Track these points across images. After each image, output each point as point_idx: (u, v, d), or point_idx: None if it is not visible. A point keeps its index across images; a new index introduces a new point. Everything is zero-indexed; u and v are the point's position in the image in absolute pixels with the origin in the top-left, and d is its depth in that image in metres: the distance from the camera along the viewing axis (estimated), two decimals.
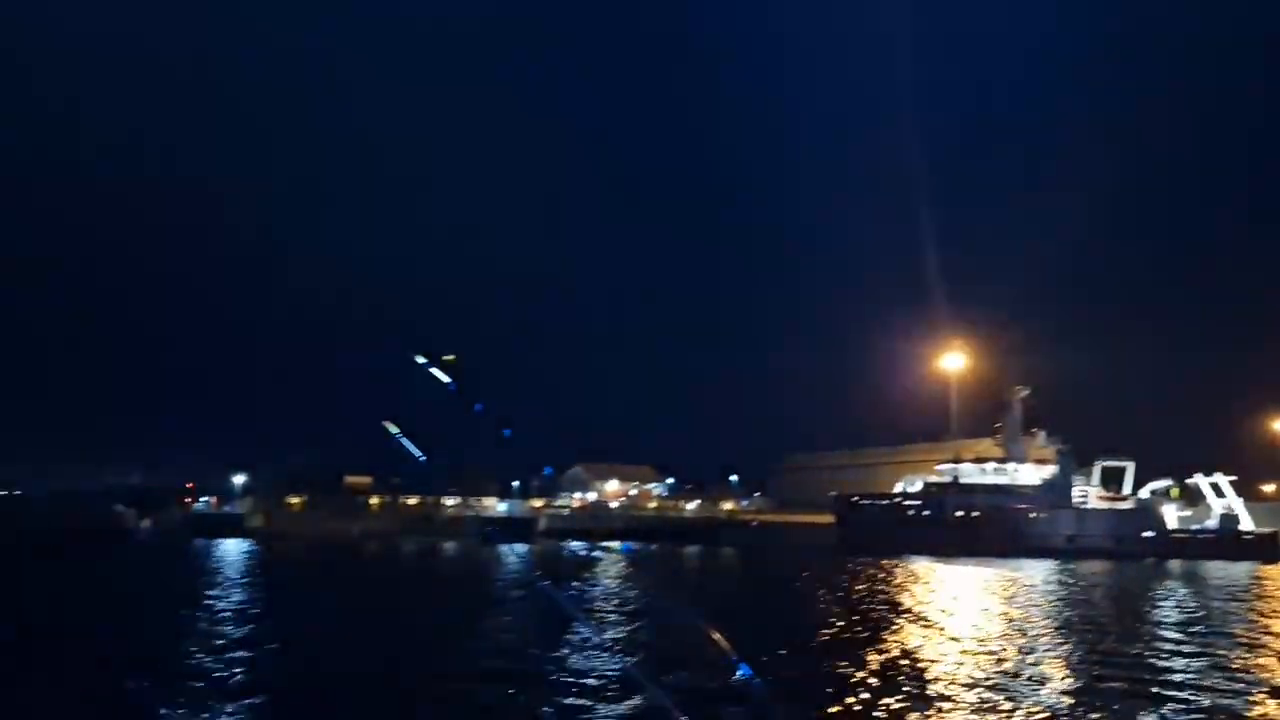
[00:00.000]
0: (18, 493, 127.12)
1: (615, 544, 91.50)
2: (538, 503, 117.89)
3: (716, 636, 5.00)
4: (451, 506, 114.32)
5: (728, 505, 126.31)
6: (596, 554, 77.33)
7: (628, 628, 31.50)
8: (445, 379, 8.19)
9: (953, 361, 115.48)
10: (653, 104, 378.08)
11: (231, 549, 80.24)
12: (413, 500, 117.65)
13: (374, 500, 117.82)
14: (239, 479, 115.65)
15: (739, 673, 4.77)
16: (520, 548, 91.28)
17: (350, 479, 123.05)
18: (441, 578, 57.03)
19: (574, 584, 46.60)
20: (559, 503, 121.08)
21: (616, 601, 40.80)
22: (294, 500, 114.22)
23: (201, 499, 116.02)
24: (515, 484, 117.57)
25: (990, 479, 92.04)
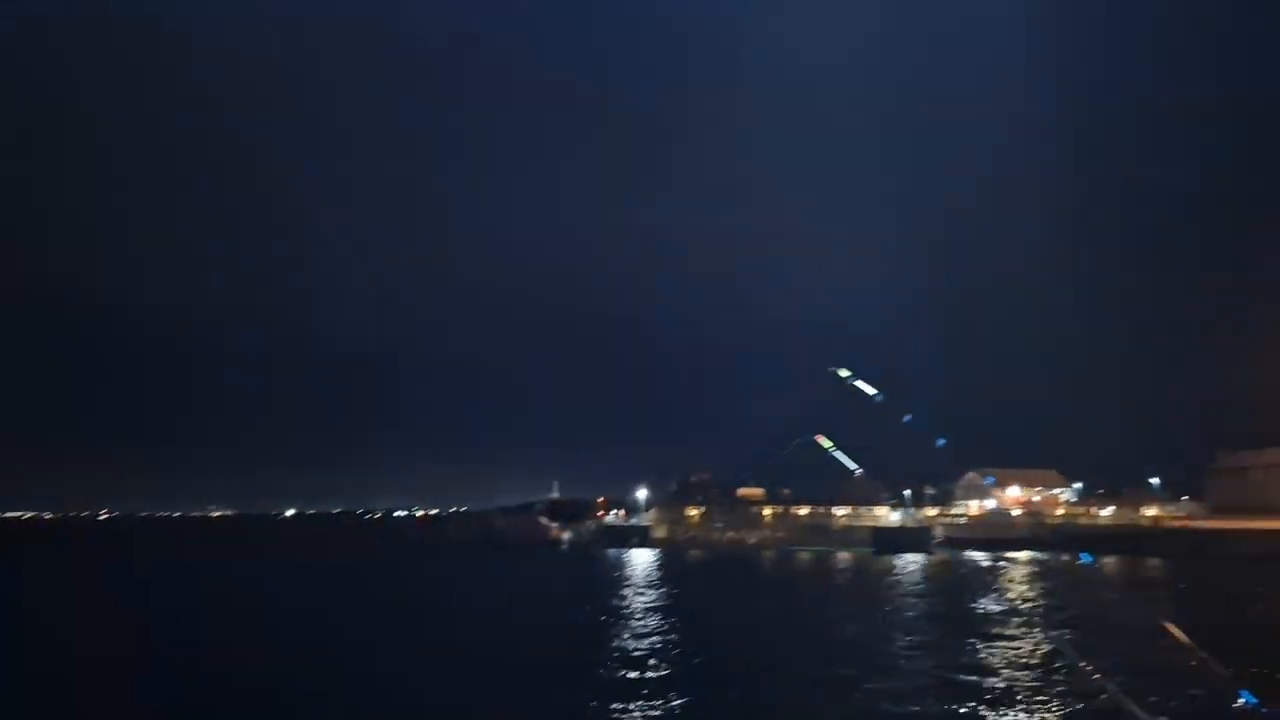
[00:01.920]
0: (464, 509, 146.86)
1: (1020, 554, 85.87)
2: (931, 512, 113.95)
3: (1203, 657, 4.59)
4: (842, 516, 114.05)
5: (1150, 511, 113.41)
6: (1000, 564, 73.15)
7: (1088, 644, 28.91)
8: (870, 390, 8.31)
9: None
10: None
11: (639, 557, 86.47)
12: (803, 510, 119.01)
13: (767, 511, 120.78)
14: (642, 493, 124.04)
15: (1241, 700, 4.36)
16: (915, 557, 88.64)
17: (743, 491, 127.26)
18: (838, 585, 57.02)
19: (984, 594, 44.49)
20: (954, 511, 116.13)
21: (1056, 616, 38.02)
22: (692, 512, 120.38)
23: (611, 512, 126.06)
24: (907, 493, 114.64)
25: None
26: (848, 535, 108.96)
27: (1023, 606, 40.15)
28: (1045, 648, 27.45)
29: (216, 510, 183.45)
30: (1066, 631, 32.12)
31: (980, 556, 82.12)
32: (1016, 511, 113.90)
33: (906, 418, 8.14)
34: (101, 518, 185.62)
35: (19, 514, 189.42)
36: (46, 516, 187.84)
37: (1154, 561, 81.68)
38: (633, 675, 23.82)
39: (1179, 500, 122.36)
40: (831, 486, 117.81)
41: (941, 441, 7.96)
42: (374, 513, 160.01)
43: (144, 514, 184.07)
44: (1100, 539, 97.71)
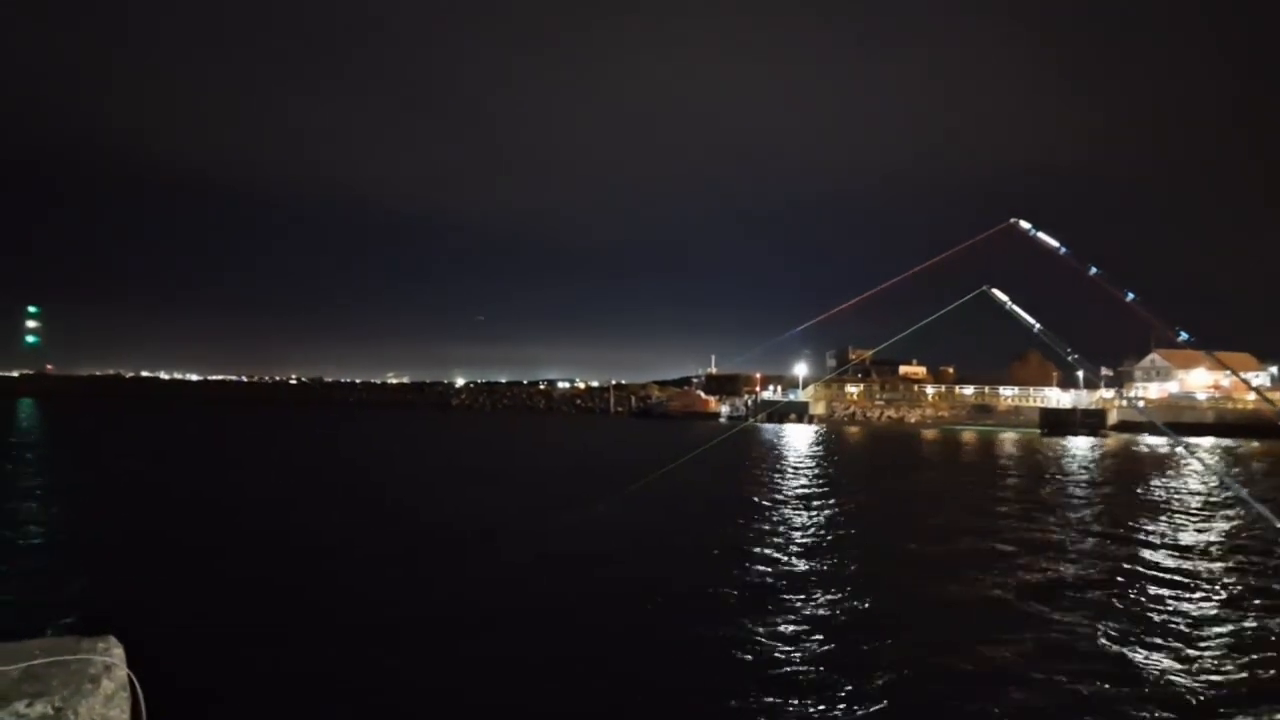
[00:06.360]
0: (622, 381, 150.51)
1: (1204, 439, 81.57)
2: (1107, 394, 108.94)
3: None
4: (1009, 397, 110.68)
5: None
6: (1181, 450, 69.65)
7: None
8: (1053, 242, 7.97)
9: None
10: None
11: (796, 433, 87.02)
12: (968, 390, 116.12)
13: (930, 390, 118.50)
14: (800, 369, 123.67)
15: None
16: (1087, 440, 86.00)
17: (905, 369, 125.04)
18: (1006, 467, 55.72)
19: (1165, 478, 42.63)
20: (1133, 394, 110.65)
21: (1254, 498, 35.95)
22: (852, 389, 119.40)
23: (770, 387, 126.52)
24: (1080, 374, 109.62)
25: None
26: (1014, 415, 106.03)
27: (1213, 494, 38.15)
28: (1242, 529, 26.21)
29: (394, 377, 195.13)
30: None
31: (1159, 442, 78.36)
32: (1202, 396, 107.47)
33: (1093, 269, 7.84)
34: (293, 382, 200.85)
35: (222, 377, 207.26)
36: (242, 380, 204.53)
37: None
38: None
39: None
40: (999, 362, 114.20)
41: (1132, 295, 7.66)
42: (539, 383, 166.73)
43: (330, 379, 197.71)
44: None
